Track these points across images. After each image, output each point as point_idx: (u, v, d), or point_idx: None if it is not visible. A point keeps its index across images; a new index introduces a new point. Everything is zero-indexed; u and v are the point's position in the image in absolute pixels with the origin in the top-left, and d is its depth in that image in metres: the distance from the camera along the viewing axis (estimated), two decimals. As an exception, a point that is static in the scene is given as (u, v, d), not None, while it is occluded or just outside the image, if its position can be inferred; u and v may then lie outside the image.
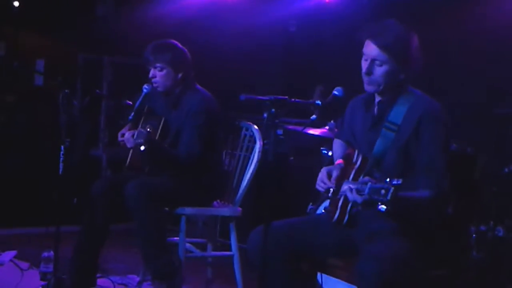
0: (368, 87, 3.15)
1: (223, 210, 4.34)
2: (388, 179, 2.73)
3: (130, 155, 4.33)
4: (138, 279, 4.43)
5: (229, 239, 4.29)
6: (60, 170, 3.91)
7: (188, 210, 4.14)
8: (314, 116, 3.44)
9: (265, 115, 3.08)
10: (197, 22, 6.62)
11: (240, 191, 4.32)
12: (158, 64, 4.19)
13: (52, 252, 4.28)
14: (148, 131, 3.91)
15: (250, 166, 4.30)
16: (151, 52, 4.21)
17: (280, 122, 3.08)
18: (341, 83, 3.29)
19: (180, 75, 4.23)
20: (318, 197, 3.44)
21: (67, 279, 4.07)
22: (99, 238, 4.20)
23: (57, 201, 3.92)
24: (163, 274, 4.00)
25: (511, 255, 4.14)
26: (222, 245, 4.96)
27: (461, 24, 5.20)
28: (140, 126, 4.24)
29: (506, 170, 4.21)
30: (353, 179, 3.10)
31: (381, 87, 3.12)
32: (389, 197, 2.71)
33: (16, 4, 6.70)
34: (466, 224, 4.19)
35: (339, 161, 3.29)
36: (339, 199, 3.12)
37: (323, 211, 3.34)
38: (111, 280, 4.45)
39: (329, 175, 3.16)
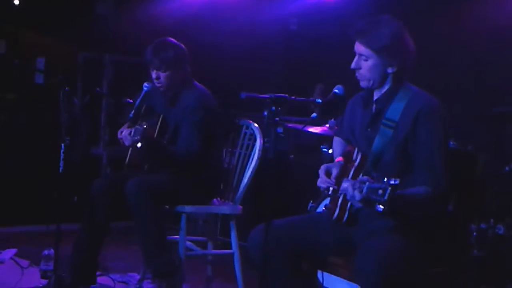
0: (361, 83, 3.20)
1: (224, 208, 4.33)
2: (385, 179, 2.72)
3: (129, 153, 4.33)
4: (138, 277, 4.43)
5: (230, 237, 4.29)
6: (61, 168, 3.92)
7: (189, 208, 4.13)
8: (314, 114, 3.45)
9: (266, 113, 3.08)
10: (198, 20, 6.63)
11: (241, 189, 4.32)
12: (163, 66, 4.18)
13: (52, 250, 4.29)
14: (144, 128, 3.90)
15: (250, 164, 4.30)
16: (155, 55, 4.17)
17: (280, 120, 3.07)
18: (342, 81, 3.29)
19: (180, 72, 4.24)
20: (319, 195, 3.43)
21: (68, 277, 4.07)
22: (99, 236, 4.19)
23: (57, 199, 3.92)
24: (163, 272, 4.00)
25: (512, 253, 4.15)
26: (223, 243, 4.95)
27: (460, 23, 5.20)
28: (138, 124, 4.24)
29: (507, 168, 4.22)
30: (352, 177, 3.10)
31: (371, 82, 3.15)
32: (386, 197, 2.70)
33: (16, 2, 6.71)
34: (466, 222, 4.19)
35: (338, 158, 3.29)
36: (339, 197, 3.13)
37: (323, 208, 3.34)
38: (111, 278, 4.46)
39: (328, 173, 3.16)
